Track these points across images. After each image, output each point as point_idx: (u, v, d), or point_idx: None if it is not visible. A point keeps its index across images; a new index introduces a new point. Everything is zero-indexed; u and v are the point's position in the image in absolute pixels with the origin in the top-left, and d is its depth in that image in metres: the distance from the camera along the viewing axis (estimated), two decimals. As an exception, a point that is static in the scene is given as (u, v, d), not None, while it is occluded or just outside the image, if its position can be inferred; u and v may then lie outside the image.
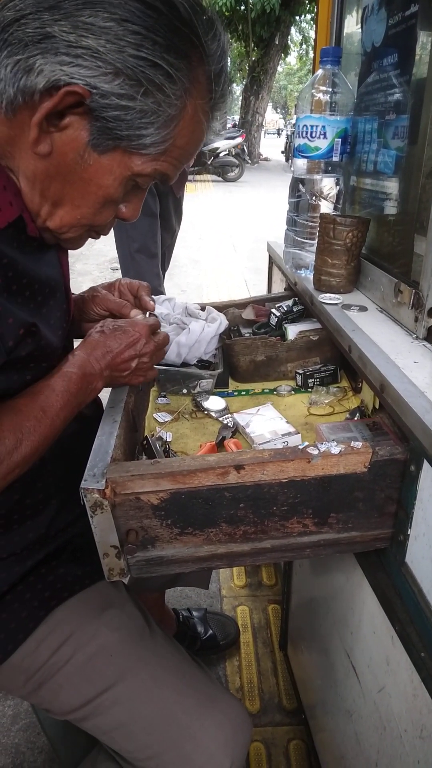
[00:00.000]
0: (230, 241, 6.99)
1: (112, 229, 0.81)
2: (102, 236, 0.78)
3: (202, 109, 0.66)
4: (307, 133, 1.16)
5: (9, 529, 0.82)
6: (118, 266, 2.57)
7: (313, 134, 1.16)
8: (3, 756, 1.33)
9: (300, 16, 16.13)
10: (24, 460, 0.69)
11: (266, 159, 20.43)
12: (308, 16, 16.11)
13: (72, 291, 0.88)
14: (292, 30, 18.17)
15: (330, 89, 1.15)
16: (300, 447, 0.71)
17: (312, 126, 1.15)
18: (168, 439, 1.01)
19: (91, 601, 0.85)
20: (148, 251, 2.37)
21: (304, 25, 18.81)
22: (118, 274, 3.16)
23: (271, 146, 24.63)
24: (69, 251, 0.82)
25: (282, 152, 20.04)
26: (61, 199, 0.65)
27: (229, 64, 0.67)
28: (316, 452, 0.70)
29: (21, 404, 0.70)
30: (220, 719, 0.83)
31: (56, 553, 0.88)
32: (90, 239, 0.77)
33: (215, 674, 1.53)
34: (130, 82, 0.58)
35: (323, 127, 1.15)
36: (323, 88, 1.15)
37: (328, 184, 1.20)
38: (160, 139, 0.63)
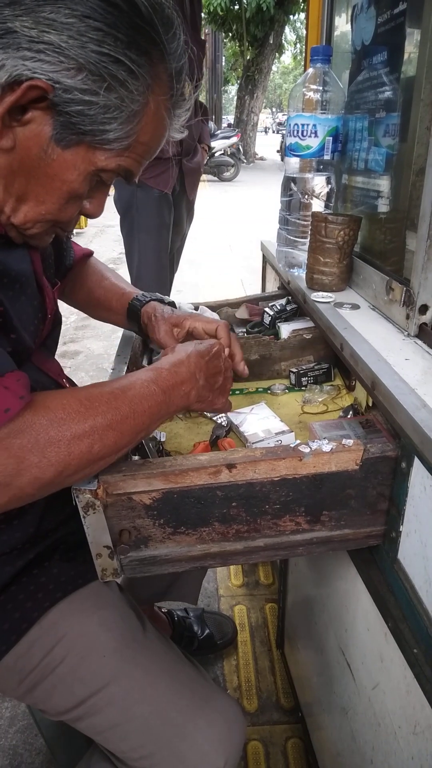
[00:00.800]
0: (226, 240, 6.99)
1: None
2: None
3: (164, 106, 0.67)
4: (298, 131, 1.17)
5: None
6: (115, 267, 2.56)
7: (305, 133, 1.16)
8: (1, 757, 1.33)
9: (294, 15, 16.16)
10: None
11: (262, 158, 20.45)
12: (302, 15, 16.12)
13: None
14: (286, 29, 18.20)
15: (321, 88, 1.15)
16: (292, 445, 0.72)
17: (303, 125, 1.16)
18: (162, 439, 1.01)
19: (84, 602, 0.85)
20: (159, 263, 2.37)
21: (298, 24, 18.86)
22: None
23: (265, 145, 24.63)
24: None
25: (278, 151, 20.06)
26: (26, 194, 0.65)
27: (187, 64, 0.68)
28: (307, 450, 0.70)
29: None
30: (214, 718, 0.83)
31: (48, 553, 0.88)
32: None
33: (213, 673, 1.53)
34: (93, 78, 0.58)
35: (314, 125, 1.15)
36: (314, 86, 1.15)
37: (319, 183, 1.20)
38: (124, 135, 0.63)
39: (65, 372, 0.96)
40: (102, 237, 6.87)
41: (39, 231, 0.70)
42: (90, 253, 1.16)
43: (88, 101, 0.59)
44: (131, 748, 0.81)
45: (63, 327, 0.98)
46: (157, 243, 2.33)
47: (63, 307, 1.04)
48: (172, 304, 1.05)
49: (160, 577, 1.24)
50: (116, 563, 0.76)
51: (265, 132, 40.04)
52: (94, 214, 0.74)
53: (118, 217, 2.34)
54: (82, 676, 0.81)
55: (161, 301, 1.04)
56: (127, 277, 2.18)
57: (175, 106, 0.69)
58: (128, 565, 0.77)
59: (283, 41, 17.97)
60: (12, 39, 0.55)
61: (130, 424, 0.68)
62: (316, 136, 1.15)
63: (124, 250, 2.46)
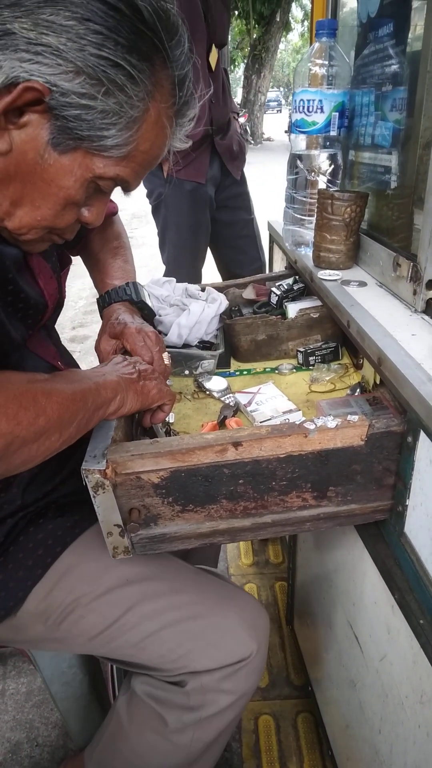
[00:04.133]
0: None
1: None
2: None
3: (166, 114, 0.65)
4: (304, 107, 1.15)
5: None
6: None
7: (311, 108, 1.14)
8: (18, 731, 1.37)
9: (301, -9, 15.81)
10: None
11: (269, 139, 20.17)
12: (309, -9, 15.74)
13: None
14: (293, 6, 17.82)
15: (326, 62, 1.13)
16: (297, 422, 0.72)
17: (309, 100, 1.14)
18: (170, 420, 1.02)
19: (94, 541, 0.88)
20: (190, 262, 2.22)
21: (305, 1, 18.43)
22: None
23: (273, 126, 24.28)
24: None
25: (285, 132, 19.76)
26: (21, 199, 0.64)
27: (191, 72, 0.66)
28: (312, 427, 0.70)
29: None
30: (242, 609, 0.89)
31: (40, 512, 0.91)
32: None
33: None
34: (91, 82, 0.57)
35: (320, 101, 1.13)
36: (319, 61, 1.13)
37: (326, 160, 1.19)
38: (123, 142, 0.62)
39: (75, 356, 0.97)
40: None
41: (34, 237, 0.69)
42: (111, 213, 1.13)
43: (85, 105, 0.58)
44: (169, 650, 0.85)
45: (72, 312, 0.99)
46: (189, 242, 2.18)
47: (71, 291, 1.04)
48: (143, 305, 1.02)
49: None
50: (127, 541, 0.77)
51: (279, 111, 39.21)
52: (93, 223, 0.73)
53: (132, 202, 2.25)
54: (111, 600, 0.85)
55: (131, 299, 1.01)
56: (141, 258, 2.08)
57: (177, 114, 0.67)
58: (139, 543, 0.78)
59: (290, 19, 17.59)
60: (10, 40, 0.55)
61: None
62: (322, 111, 1.14)
63: (131, 234, 2.40)
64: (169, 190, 2.06)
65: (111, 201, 1.11)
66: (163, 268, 2.28)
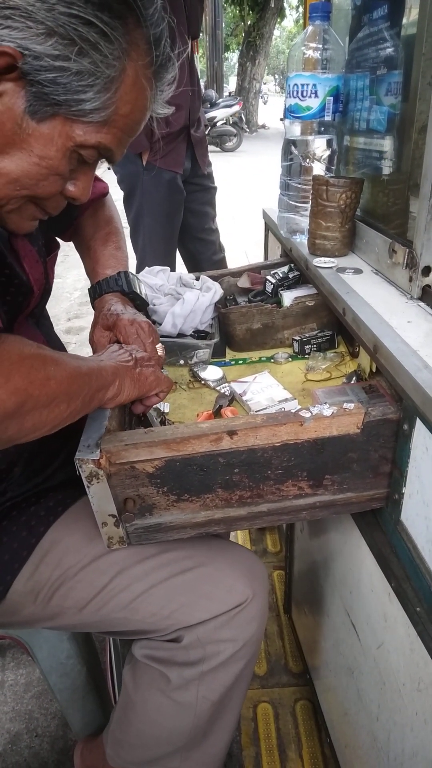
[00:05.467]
0: (229, 212, 6.89)
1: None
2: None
3: (144, 75, 0.63)
4: (298, 92, 1.14)
5: None
6: None
7: (304, 93, 1.13)
8: (18, 722, 1.37)
9: (295, -24, 15.63)
10: None
11: (263, 126, 20.01)
12: (304, -24, 15.59)
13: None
14: (288, -9, 17.64)
15: (320, 46, 1.11)
16: (293, 411, 0.71)
17: (303, 85, 1.12)
18: (165, 410, 1.01)
19: (77, 515, 0.88)
20: (165, 250, 2.24)
21: (299, -15, 18.24)
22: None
23: (268, 113, 24.10)
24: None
25: (281, 119, 19.61)
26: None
27: (167, 31, 0.64)
28: (308, 415, 0.70)
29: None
30: (234, 560, 0.88)
31: (26, 498, 0.91)
32: None
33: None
34: (64, 42, 0.56)
35: (314, 85, 1.12)
36: (313, 45, 1.12)
37: (320, 145, 1.17)
38: (101, 105, 0.60)
39: (69, 349, 0.96)
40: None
41: (14, 207, 0.67)
42: (102, 194, 1.11)
43: (60, 67, 0.57)
44: (160, 607, 0.84)
45: (67, 303, 0.98)
46: (165, 229, 2.20)
47: (67, 282, 1.03)
48: (135, 296, 1.01)
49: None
50: (122, 531, 0.77)
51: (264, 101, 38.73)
52: (79, 198, 0.71)
53: (119, 191, 2.25)
54: (98, 567, 0.85)
55: (122, 290, 0.99)
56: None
57: (156, 75, 0.65)
58: (134, 533, 0.78)
59: (284, 5, 17.41)
60: None
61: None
62: (316, 96, 1.12)
63: (123, 221, 2.39)
64: (147, 176, 2.08)
65: (101, 181, 1.09)
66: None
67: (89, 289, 1.02)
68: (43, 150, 0.61)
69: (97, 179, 1.10)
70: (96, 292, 1.00)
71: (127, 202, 2.21)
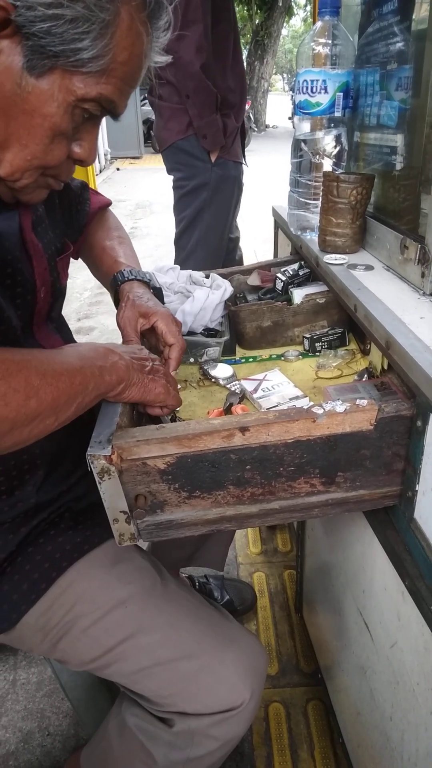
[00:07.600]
0: (239, 212, 6.89)
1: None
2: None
3: (139, 19, 0.62)
4: (307, 88, 1.13)
5: None
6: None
7: (314, 89, 1.12)
8: (30, 721, 1.37)
9: (303, -25, 15.60)
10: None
11: (273, 126, 19.97)
12: (312, -25, 15.55)
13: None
14: (296, -10, 17.60)
15: (330, 41, 1.11)
16: (305, 407, 0.71)
17: (312, 81, 1.12)
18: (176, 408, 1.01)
19: (98, 560, 0.87)
20: (219, 244, 2.23)
21: (307, -16, 18.20)
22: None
23: (276, 112, 24.05)
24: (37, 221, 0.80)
25: (289, 118, 19.58)
26: (7, 139, 0.62)
27: None
28: (320, 411, 0.69)
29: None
30: (239, 654, 0.86)
31: (54, 521, 0.90)
32: None
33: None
34: None
35: (324, 81, 1.11)
36: (323, 40, 1.11)
37: (330, 141, 1.17)
38: (99, 52, 0.59)
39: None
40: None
41: (29, 181, 0.67)
42: (107, 205, 1.12)
43: (53, 15, 0.55)
44: (160, 686, 0.84)
45: (77, 303, 0.97)
46: (223, 225, 2.22)
47: (77, 283, 1.03)
48: (158, 290, 1.01)
49: (186, 542, 1.26)
50: (133, 528, 0.77)
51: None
52: (86, 160, 0.70)
53: (135, 192, 2.25)
54: (106, 627, 0.84)
55: (147, 283, 1.00)
56: (145, 248, 2.08)
57: (150, 18, 0.64)
58: (145, 530, 0.77)
59: (293, 3, 17.38)
60: None
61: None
62: (326, 92, 1.12)
63: (135, 224, 2.39)
64: (217, 172, 2.10)
65: (101, 195, 1.10)
66: (166, 257, 2.28)
67: (116, 274, 1.01)
68: (44, 108, 0.61)
69: (98, 194, 1.13)
70: (123, 277, 0.99)
71: (190, 198, 2.18)
